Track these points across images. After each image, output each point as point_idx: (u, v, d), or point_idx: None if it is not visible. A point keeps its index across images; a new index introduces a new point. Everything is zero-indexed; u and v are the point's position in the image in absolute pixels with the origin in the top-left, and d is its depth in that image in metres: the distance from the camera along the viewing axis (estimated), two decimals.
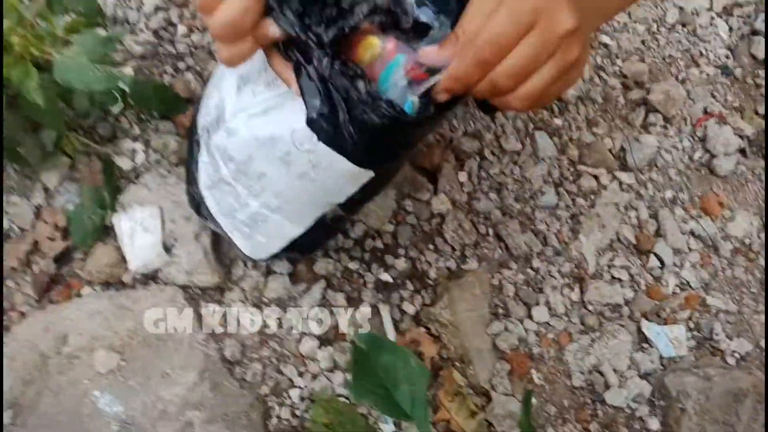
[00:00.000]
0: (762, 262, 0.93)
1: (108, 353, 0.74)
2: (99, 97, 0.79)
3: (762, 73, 1.14)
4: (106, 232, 0.81)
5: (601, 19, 0.55)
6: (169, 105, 0.87)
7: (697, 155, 1.02)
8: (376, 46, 0.49)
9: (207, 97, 0.67)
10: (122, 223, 0.80)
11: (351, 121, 0.50)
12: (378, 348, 0.55)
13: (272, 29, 0.46)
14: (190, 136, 0.72)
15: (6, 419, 0.72)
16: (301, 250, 0.75)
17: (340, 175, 0.57)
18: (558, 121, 1.02)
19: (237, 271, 0.81)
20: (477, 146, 0.97)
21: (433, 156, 0.93)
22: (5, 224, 0.82)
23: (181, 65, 0.94)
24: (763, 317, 0.88)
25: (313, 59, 0.47)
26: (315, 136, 0.52)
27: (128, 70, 0.87)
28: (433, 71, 0.47)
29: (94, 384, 0.73)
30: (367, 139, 0.51)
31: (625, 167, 0.99)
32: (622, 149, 1.01)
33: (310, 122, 0.51)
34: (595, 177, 0.97)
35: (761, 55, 1.15)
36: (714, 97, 1.10)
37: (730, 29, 1.20)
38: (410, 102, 0.49)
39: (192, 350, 0.75)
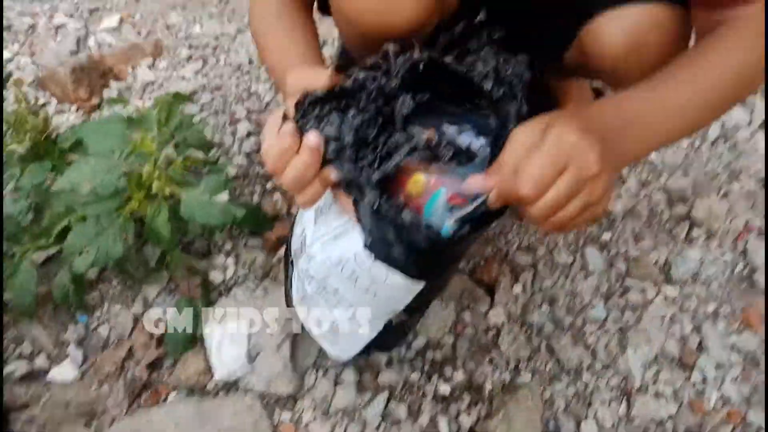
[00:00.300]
0: None
1: None
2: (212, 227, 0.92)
3: None
4: (195, 341, 0.92)
5: (625, 164, 0.63)
6: (259, 224, 1.00)
7: (738, 268, 1.08)
8: (420, 183, 0.60)
9: (295, 225, 0.79)
10: (212, 334, 0.91)
11: (399, 243, 0.60)
12: None
13: (332, 175, 0.57)
14: (286, 259, 0.84)
15: None
16: (378, 348, 0.85)
17: (396, 288, 0.67)
18: (606, 236, 1.11)
19: (309, 380, 0.91)
20: (531, 260, 1.06)
21: (490, 269, 1.02)
22: (105, 331, 0.94)
23: (269, 185, 1.07)
24: None
25: (366, 194, 0.58)
26: (372, 257, 0.63)
27: (224, 194, 1.00)
28: (472, 198, 0.56)
29: None
30: (414, 257, 0.62)
31: (669, 280, 1.06)
32: (667, 262, 1.08)
33: (367, 246, 0.62)
34: (642, 290, 1.03)
35: None
36: (754, 210, 1.16)
37: None
38: (447, 227, 0.59)
39: None
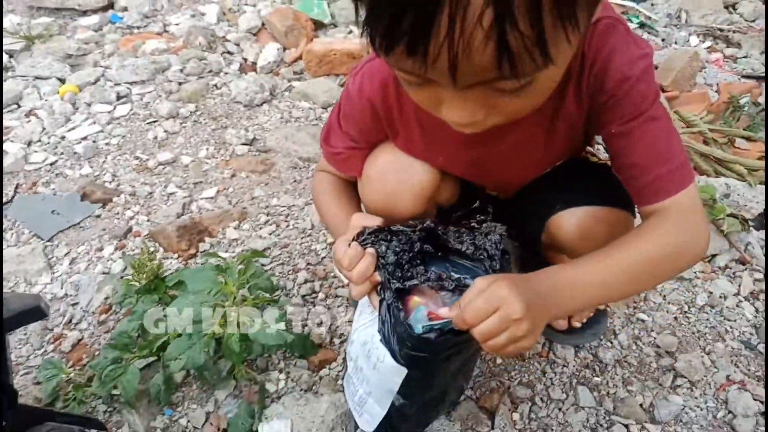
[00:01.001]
0: None
1: None
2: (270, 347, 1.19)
3: None
4: None
5: (552, 316, 0.82)
6: (306, 349, 1.26)
7: (720, 414, 1.23)
8: (417, 303, 0.87)
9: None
10: (265, 430, 1.13)
11: (394, 334, 0.87)
12: None
13: (377, 277, 0.87)
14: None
15: None
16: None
17: (389, 367, 0.90)
18: (598, 379, 1.29)
19: None
20: (529, 393, 1.25)
21: (492, 399, 1.22)
22: (184, 422, 1.19)
23: (317, 320, 1.35)
24: None
25: (387, 296, 0.86)
26: (380, 338, 0.89)
27: (282, 324, 1.28)
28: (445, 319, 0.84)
29: None
30: (400, 347, 0.87)
31: (653, 420, 1.22)
32: (652, 405, 1.24)
33: (379, 331, 0.89)
34: (626, 426, 1.20)
35: None
36: (737, 366, 1.32)
37: (756, 311, 1.46)
38: (417, 327, 0.84)
39: None
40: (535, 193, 1.12)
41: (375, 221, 0.92)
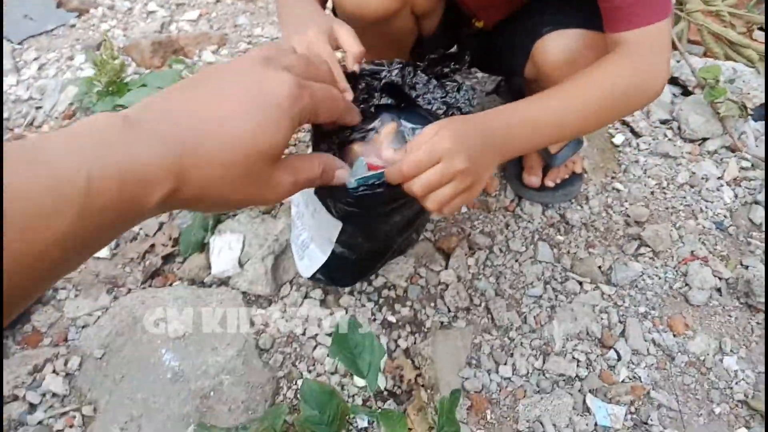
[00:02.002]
0: (712, 377, 1.09)
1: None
2: None
3: (756, 234, 1.34)
4: (202, 246, 1.14)
5: (505, 156, 0.77)
6: None
7: (676, 285, 1.22)
8: (357, 153, 0.78)
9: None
10: (215, 241, 1.12)
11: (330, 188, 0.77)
12: (353, 329, 0.80)
13: None
14: None
15: (97, 355, 1.01)
16: (331, 279, 1.04)
17: (325, 220, 0.85)
18: (561, 238, 1.27)
19: (284, 291, 1.10)
20: (489, 242, 1.23)
21: (450, 241, 1.21)
22: (136, 229, 1.17)
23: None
24: (701, 419, 1.03)
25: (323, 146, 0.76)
26: (313, 190, 0.82)
27: None
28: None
29: (163, 344, 1.01)
30: (334, 200, 0.79)
31: (608, 282, 1.21)
32: (610, 268, 1.23)
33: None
34: (580, 283, 1.19)
35: (758, 220, 1.35)
36: (704, 244, 1.30)
37: (735, 196, 1.42)
38: (350, 181, 0.71)
39: (237, 336, 1.03)
40: (522, 22, 1.04)
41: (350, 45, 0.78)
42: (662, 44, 0.84)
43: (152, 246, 1.15)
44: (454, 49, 1.28)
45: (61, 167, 0.32)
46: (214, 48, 1.60)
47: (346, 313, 1.08)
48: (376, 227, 0.90)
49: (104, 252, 1.14)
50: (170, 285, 1.11)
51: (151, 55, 1.50)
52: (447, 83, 0.83)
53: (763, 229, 1.34)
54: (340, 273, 1.02)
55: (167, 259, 1.14)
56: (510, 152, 0.78)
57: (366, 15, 0.97)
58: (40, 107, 1.43)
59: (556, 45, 0.98)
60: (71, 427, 0.96)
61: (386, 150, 0.76)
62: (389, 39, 1.06)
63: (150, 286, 1.11)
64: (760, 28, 1.95)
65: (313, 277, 1.01)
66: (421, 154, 0.67)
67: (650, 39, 0.83)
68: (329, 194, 0.79)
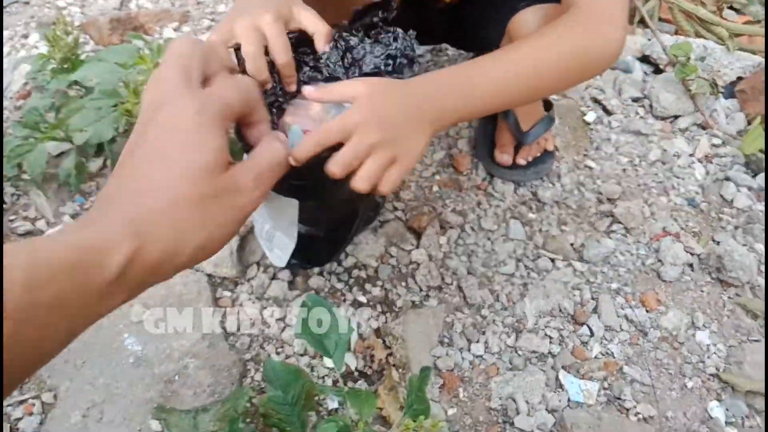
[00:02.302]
0: (685, 351, 1.08)
1: (142, 309, 0.99)
2: None
3: (727, 210, 1.33)
4: None
5: (445, 124, 0.73)
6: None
7: (648, 261, 1.21)
8: (289, 124, 0.72)
9: None
10: None
11: None
12: (320, 306, 0.77)
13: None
14: None
15: None
16: (307, 262, 1.00)
17: (281, 201, 0.81)
18: (532, 215, 1.26)
19: (251, 272, 1.07)
20: (460, 221, 1.21)
21: (421, 220, 1.18)
22: None
23: None
24: (674, 393, 1.03)
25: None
26: None
27: None
28: None
29: (126, 328, 0.98)
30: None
31: (581, 259, 1.20)
32: (583, 245, 1.22)
33: None
34: (552, 260, 1.17)
35: (729, 196, 1.35)
36: (676, 220, 1.30)
37: (707, 173, 1.42)
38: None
39: (202, 318, 0.99)
40: None
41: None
42: (615, 5, 0.81)
43: None
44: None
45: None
46: (176, 25, 1.55)
47: (315, 294, 1.05)
48: (333, 195, 0.85)
49: None
50: None
51: (110, 32, 1.44)
52: (382, 36, 0.78)
53: (734, 205, 1.34)
54: (312, 253, 0.99)
55: None
56: (446, 119, 0.73)
57: None
58: None
59: (533, 20, 0.95)
60: (30, 414, 0.92)
61: (316, 108, 0.72)
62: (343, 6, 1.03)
63: None
64: (730, 7, 1.95)
65: (288, 265, 0.98)
66: (330, 128, 0.64)
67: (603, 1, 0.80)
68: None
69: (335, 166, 0.64)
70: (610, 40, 0.81)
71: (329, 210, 0.89)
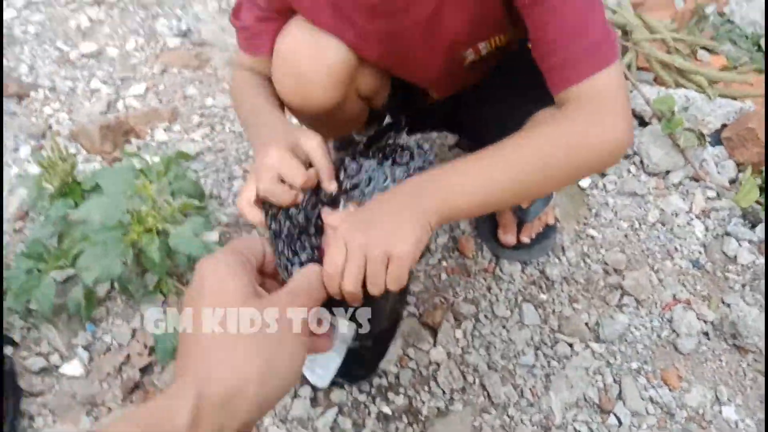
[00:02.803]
0: (713, 430, 1.08)
1: None
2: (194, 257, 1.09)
3: (732, 267, 1.35)
4: None
5: (435, 222, 0.70)
6: None
7: (664, 333, 1.21)
8: None
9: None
10: None
11: None
12: None
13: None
14: None
15: None
16: (349, 378, 1.00)
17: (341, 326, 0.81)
18: (544, 296, 1.26)
19: None
20: (473, 310, 1.21)
21: (435, 315, 1.17)
22: (108, 339, 1.10)
23: (254, 233, 1.25)
24: None
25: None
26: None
27: (214, 235, 1.18)
28: None
29: None
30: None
31: (597, 339, 1.19)
32: (597, 323, 1.22)
33: None
34: (570, 345, 1.17)
35: (732, 253, 1.36)
36: (684, 285, 1.30)
37: (706, 229, 1.43)
38: None
39: None
40: (491, 94, 1.02)
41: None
42: (616, 88, 0.77)
43: (128, 357, 1.08)
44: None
45: None
46: (166, 125, 1.54)
47: (339, 411, 1.03)
48: (382, 307, 0.87)
49: (78, 369, 1.07)
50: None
51: (101, 140, 1.43)
52: (398, 157, 0.79)
53: (738, 261, 1.35)
54: (357, 366, 0.98)
55: (145, 370, 1.07)
56: (438, 218, 0.71)
57: (311, 109, 0.95)
58: None
59: None
60: None
61: None
62: (341, 120, 1.04)
63: (131, 402, 1.04)
64: (704, 47, 1.99)
65: (331, 383, 0.97)
66: (332, 253, 0.65)
67: (601, 85, 0.76)
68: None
69: (349, 286, 0.65)
70: (616, 131, 0.76)
71: (380, 321, 0.90)
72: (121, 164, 1.38)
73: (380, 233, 0.66)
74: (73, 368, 1.08)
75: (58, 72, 1.71)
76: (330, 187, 0.75)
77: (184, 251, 1.01)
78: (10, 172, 1.43)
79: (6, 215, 1.33)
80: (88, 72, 1.72)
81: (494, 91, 1.07)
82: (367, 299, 0.71)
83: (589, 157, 0.76)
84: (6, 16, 1.90)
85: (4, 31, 1.82)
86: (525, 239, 1.30)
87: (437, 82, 1.08)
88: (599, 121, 0.76)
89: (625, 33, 1.84)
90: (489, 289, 1.26)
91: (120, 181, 1.09)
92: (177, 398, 0.40)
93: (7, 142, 1.50)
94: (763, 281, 1.29)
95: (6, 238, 1.30)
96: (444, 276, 1.27)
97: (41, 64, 1.74)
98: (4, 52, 1.77)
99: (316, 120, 1.01)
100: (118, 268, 1.00)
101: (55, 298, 1.08)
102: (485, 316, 1.20)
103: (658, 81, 1.82)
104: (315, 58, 0.90)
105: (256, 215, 0.75)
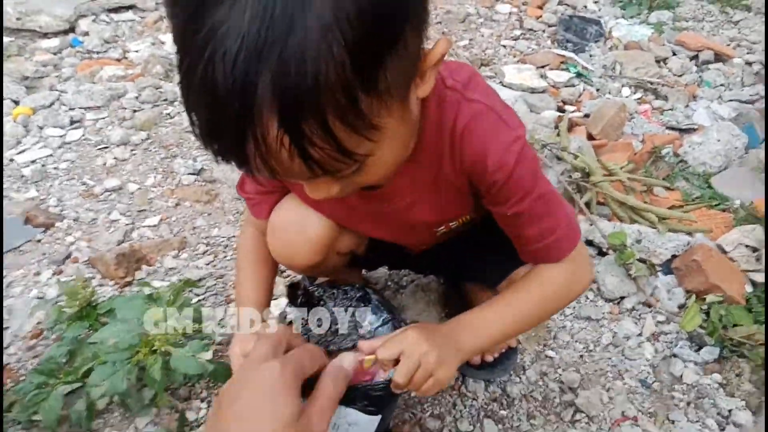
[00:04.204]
0: None
1: None
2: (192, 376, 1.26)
3: (677, 386, 1.48)
4: None
5: (464, 355, 0.98)
6: (229, 378, 1.33)
7: None
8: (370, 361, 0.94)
9: None
10: None
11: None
12: None
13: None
14: None
15: None
16: None
17: (364, 422, 0.96)
18: (504, 412, 1.39)
19: None
20: (439, 425, 1.34)
21: (403, 429, 1.31)
22: None
23: None
24: None
25: None
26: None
27: (209, 354, 1.34)
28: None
29: None
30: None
31: None
32: None
33: None
34: None
35: (678, 373, 1.51)
36: (632, 403, 1.44)
37: (655, 351, 1.58)
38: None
39: None
40: (472, 249, 1.25)
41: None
42: (581, 253, 1.05)
43: None
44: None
45: None
46: (175, 253, 1.75)
47: None
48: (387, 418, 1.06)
49: None
50: None
51: (116, 267, 1.63)
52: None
53: (684, 381, 1.49)
54: None
55: None
56: (463, 355, 0.97)
57: (296, 267, 1.21)
58: (8, 327, 1.52)
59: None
60: None
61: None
62: (325, 270, 1.26)
63: None
64: (659, 186, 2.22)
65: None
66: (409, 362, 0.88)
67: (574, 254, 1.02)
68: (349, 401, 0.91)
69: (399, 377, 0.88)
70: (587, 281, 1.10)
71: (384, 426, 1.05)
72: (132, 289, 1.58)
73: (437, 352, 0.90)
74: None
75: (82, 204, 1.95)
76: None
77: (183, 370, 1.18)
78: (30, 294, 1.62)
79: (21, 333, 1.50)
80: (109, 205, 1.96)
81: (465, 242, 1.27)
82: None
83: (569, 301, 1.11)
84: (41, 154, 2.18)
85: (40, 167, 2.08)
86: (489, 358, 1.45)
87: (413, 245, 1.29)
88: (578, 279, 1.05)
89: (587, 175, 2.08)
90: (454, 405, 1.40)
91: (133, 308, 1.27)
92: None
93: (30, 266, 1.70)
94: (705, 399, 1.43)
95: (19, 354, 1.46)
96: (414, 392, 1.41)
97: (68, 197, 1.99)
98: (38, 187, 2.02)
99: (303, 271, 1.24)
100: (123, 385, 1.17)
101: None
102: (449, 431, 1.34)
103: (615, 216, 2.03)
104: (300, 232, 1.12)
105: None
